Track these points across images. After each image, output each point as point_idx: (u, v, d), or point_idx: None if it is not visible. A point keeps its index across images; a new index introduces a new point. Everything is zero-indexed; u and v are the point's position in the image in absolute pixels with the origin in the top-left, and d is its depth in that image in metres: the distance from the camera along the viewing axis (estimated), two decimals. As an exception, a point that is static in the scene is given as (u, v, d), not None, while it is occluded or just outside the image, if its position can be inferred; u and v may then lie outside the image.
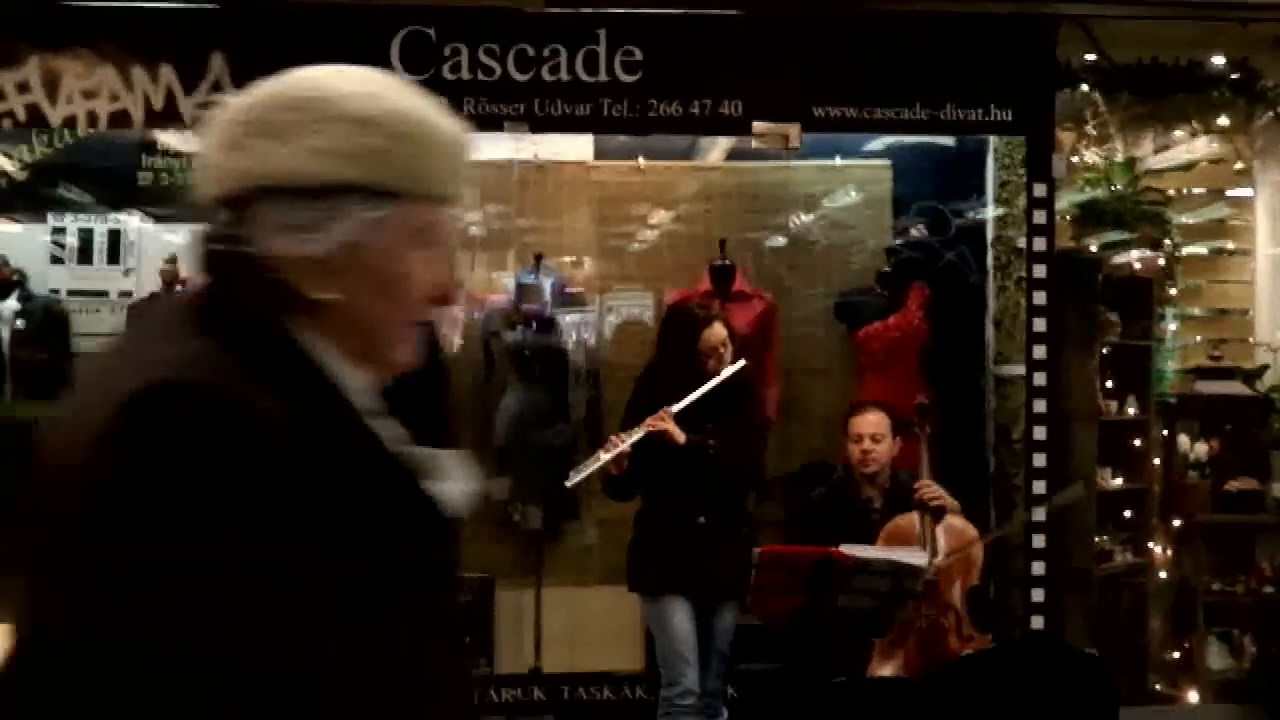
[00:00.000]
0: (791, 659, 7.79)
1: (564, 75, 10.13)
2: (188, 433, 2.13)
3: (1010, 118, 10.34)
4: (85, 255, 11.19)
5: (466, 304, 10.79)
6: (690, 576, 8.13)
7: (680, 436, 7.87)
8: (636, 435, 7.91)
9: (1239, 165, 11.52)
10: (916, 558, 7.47)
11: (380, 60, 9.95)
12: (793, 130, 10.23)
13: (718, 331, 8.04)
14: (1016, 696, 7.18)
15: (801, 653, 7.66)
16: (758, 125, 10.19)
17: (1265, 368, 11.23)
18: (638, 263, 11.08)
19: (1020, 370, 10.47)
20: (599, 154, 11.11)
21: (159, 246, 10.95)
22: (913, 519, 8.00)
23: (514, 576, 10.61)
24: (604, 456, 7.99)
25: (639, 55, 10.11)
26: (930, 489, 7.98)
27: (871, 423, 8.28)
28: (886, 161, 11.25)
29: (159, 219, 11.14)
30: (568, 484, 8.39)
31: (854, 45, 10.24)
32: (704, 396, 8.06)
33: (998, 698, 7.18)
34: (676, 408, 7.90)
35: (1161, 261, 11.08)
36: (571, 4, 10.15)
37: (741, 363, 8.10)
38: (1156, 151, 11.20)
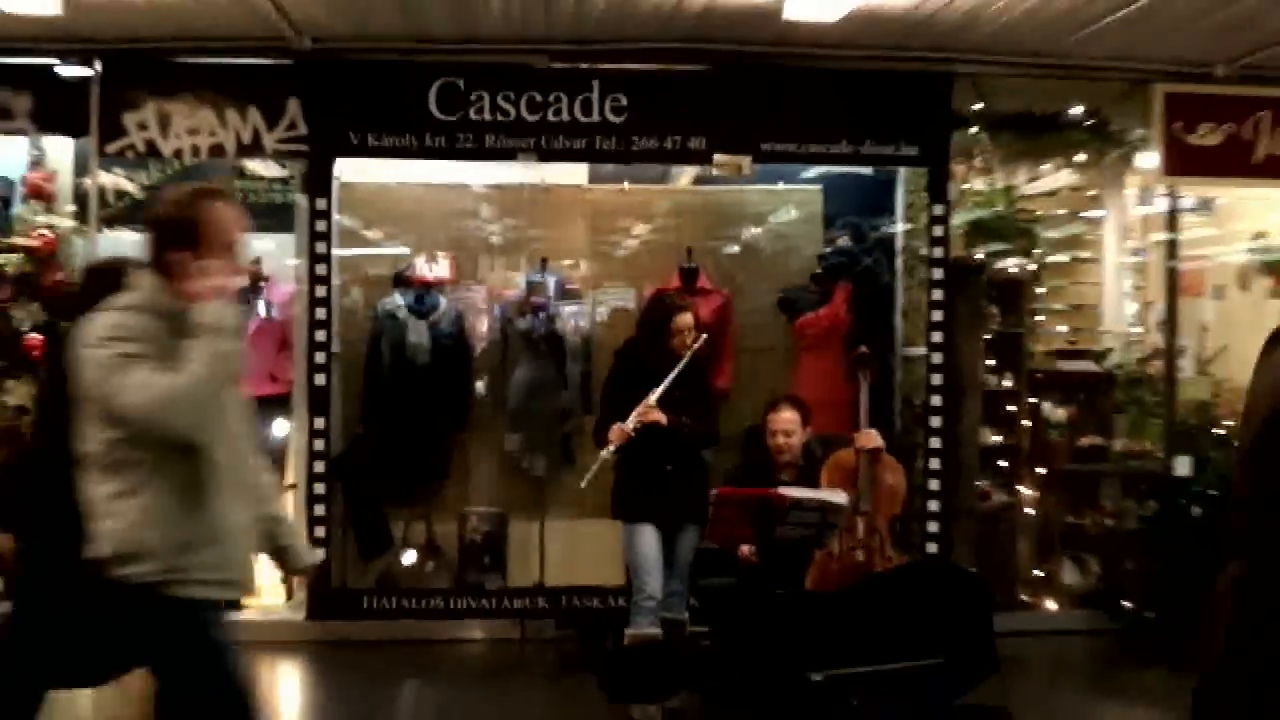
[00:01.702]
0: (743, 576, 7.74)
1: (565, 116, 10.17)
2: None
3: (916, 153, 10.45)
4: (190, 257, 11.10)
5: (487, 297, 10.74)
6: (658, 509, 8.17)
7: (664, 420, 7.85)
8: (631, 424, 7.89)
9: (1092, 192, 11.58)
10: (838, 497, 7.49)
11: (421, 104, 10.04)
12: (745, 161, 10.31)
13: (686, 318, 8.06)
14: (917, 604, 7.18)
15: (751, 571, 7.62)
16: (718, 157, 10.26)
17: (1110, 350, 11.27)
18: (622, 265, 11.05)
19: (922, 351, 10.54)
20: (592, 179, 11.09)
21: (247, 250, 10.84)
22: (851, 454, 7.97)
23: (523, 511, 10.61)
24: (605, 454, 8.01)
25: (624, 101, 10.17)
26: (869, 437, 7.97)
27: (785, 420, 8.29)
28: (818, 186, 11.23)
29: (247, 229, 11.02)
30: (581, 485, 8.41)
31: (794, 95, 10.31)
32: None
33: (903, 605, 7.16)
34: (654, 397, 7.87)
35: (1032, 267, 11.12)
36: (570, 60, 10.16)
37: (704, 337, 8.08)
38: (1029, 181, 11.19)
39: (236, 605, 4.31)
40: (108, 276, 5.33)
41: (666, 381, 7.93)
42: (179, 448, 4.34)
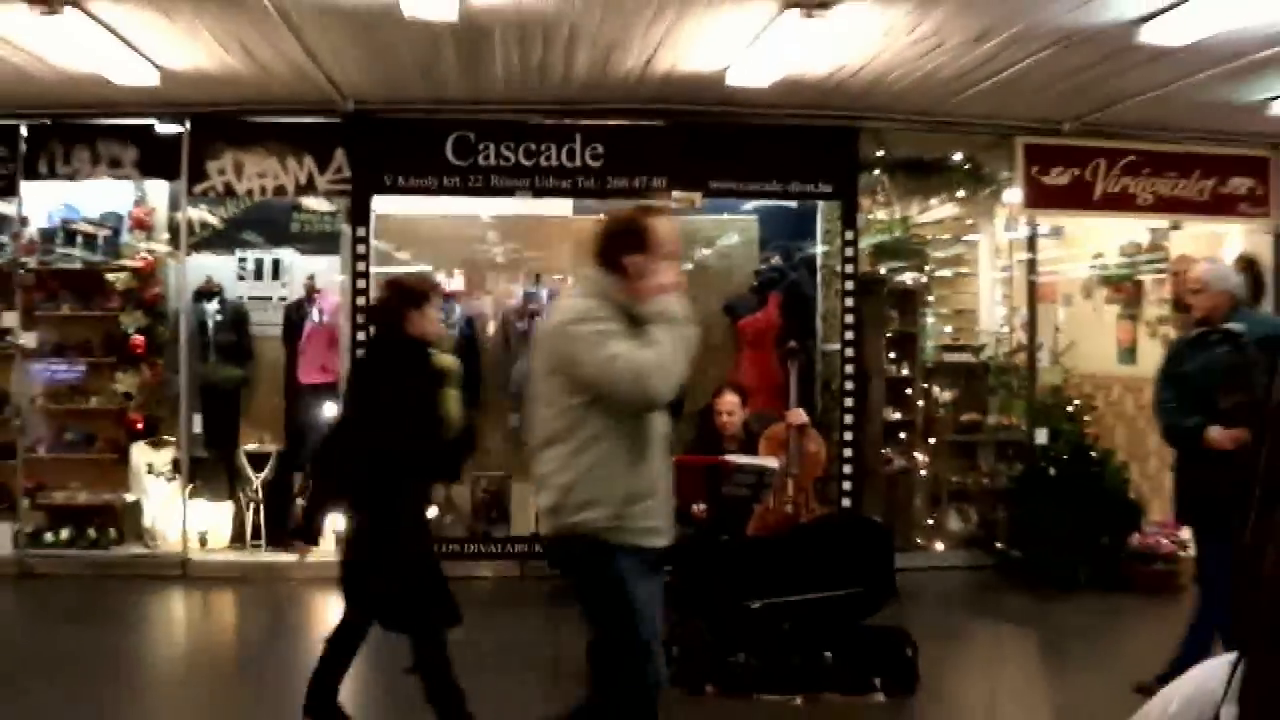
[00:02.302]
0: (696, 527, 7.75)
1: (554, 162, 10.20)
2: None
3: (831, 190, 10.51)
4: (258, 275, 11.12)
5: (493, 305, 10.73)
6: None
7: None
8: None
9: (970, 221, 11.62)
10: (772, 462, 7.48)
11: (439, 153, 10.05)
12: (697, 197, 10.36)
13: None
14: (835, 547, 7.23)
15: (703, 523, 7.63)
16: (675, 193, 10.26)
17: (985, 345, 11.35)
18: (600, 279, 10.99)
19: (837, 347, 10.55)
20: (576, 211, 11.03)
21: (303, 269, 10.89)
22: (782, 428, 7.99)
23: (523, 475, 10.51)
24: None
25: (601, 150, 10.21)
26: (797, 415, 7.99)
27: (728, 402, 8.25)
28: (755, 216, 11.22)
29: (303, 252, 11.08)
30: None
31: (735, 145, 10.34)
32: None
33: (823, 548, 7.21)
34: None
35: (923, 280, 11.15)
36: (558, 118, 10.19)
37: None
38: (920, 212, 11.23)
39: (656, 553, 4.25)
40: (402, 289, 5.75)
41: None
42: (631, 413, 4.33)
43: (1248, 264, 11.24)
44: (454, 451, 6.05)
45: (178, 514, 10.21)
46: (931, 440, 11.03)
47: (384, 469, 5.47)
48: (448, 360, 5.88)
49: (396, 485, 5.54)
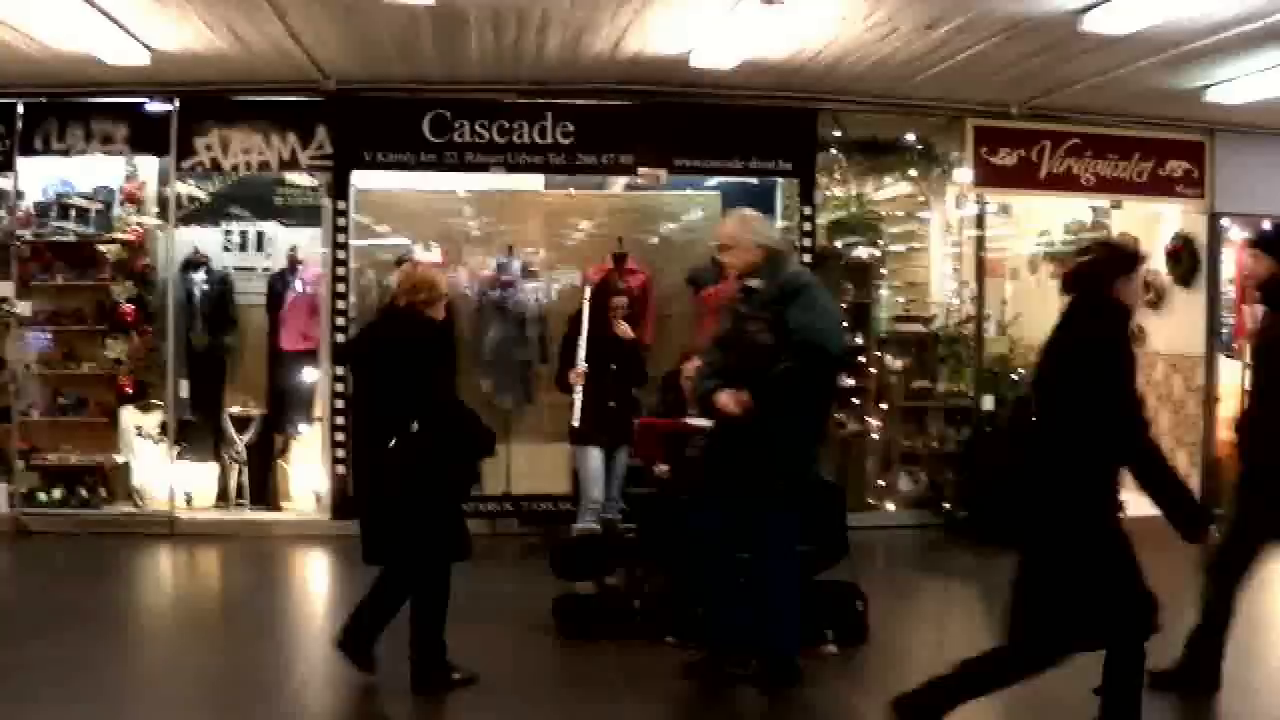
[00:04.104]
0: (660, 487, 7.82)
1: (526, 139, 10.24)
2: None
3: (790, 168, 10.58)
4: (243, 246, 11.09)
5: (469, 277, 10.71)
6: (601, 434, 8.27)
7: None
8: (581, 366, 8.21)
9: (922, 198, 11.66)
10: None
11: (417, 130, 10.06)
12: (662, 173, 10.43)
13: (620, 300, 8.20)
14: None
15: (666, 483, 7.70)
16: (642, 170, 10.35)
17: (935, 316, 11.39)
18: (569, 251, 11.03)
19: (794, 317, 10.51)
20: (547, 186, 11.05)
21: (286, 241, 10.88)
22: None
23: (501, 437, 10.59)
24: (577, 394, 8.21)
25: (572, 128, 10.26)
26: None
27: (692, 367, 8.17)
28: (717, 192, 11.20)
29: (286, 225, 11.05)
30: (574, 423, 8.57)
31: (699, 124, 10.40)
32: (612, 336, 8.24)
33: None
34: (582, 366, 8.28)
35: (877, 254, 11.17)
36: (531, 97, 10.21)
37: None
38: (875, 189, 11.26)
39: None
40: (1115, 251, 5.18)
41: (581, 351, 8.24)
42: None
43: (1184, 242, 11.39)
44: None
45: (165, 474, 10.26)
46: (884, 406, 11.07)
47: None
48: None
49: None
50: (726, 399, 5.89)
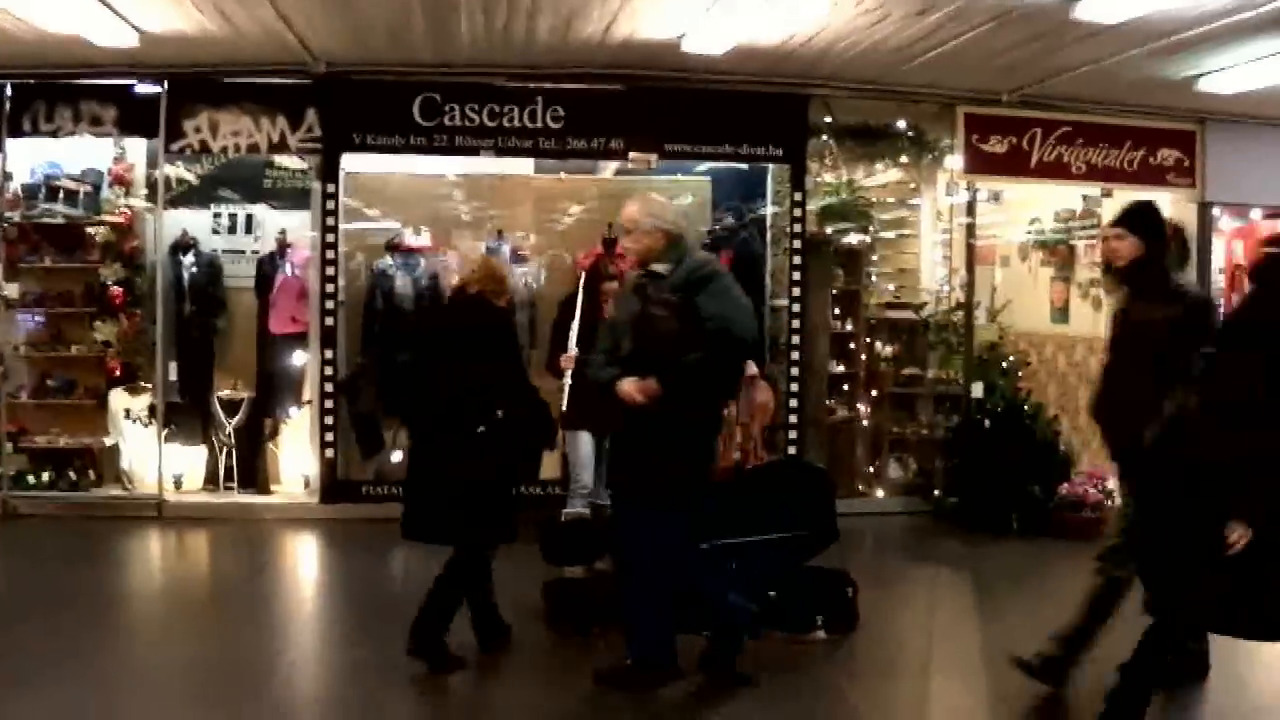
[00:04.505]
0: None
1: (517, 123, 10.18)
2: None
3: (781, 154, 10.52)
4: (232, 229, 11.03)
5: (458, 260, 10.67)
6: (593, 420, 8.22)
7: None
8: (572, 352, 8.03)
9: (913, 185, 11.63)
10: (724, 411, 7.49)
11: (407, 113, 10.00)
12: (653, 158, 10.37)
13: (611, 285, 8.12)
14: (781, 491, 7.29)
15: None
16: (632, 154, 10.30)
17: (925, 303, 11.39)
18: (559, 236, 11.03)
19: (785, 303, 10.62)
20: (537, 171, 11.03)
21: (275, 224, 10.82)
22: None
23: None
24: (566, 380, 8.05)
25: (562, 112, 10.19)
26: (747, 366, 8.04)
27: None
28: (708, 178, 11.21)
29: (275, 208, 10.97)
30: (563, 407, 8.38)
31: (690, 109, 10.33)
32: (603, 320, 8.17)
33: (770, 492, 7.28)
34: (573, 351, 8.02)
35: (867, 241, 11.17)
36: (521, 81, 10.14)
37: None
38: (866, 176, 11.24)
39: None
40: None
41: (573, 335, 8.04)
42: None
43: (1175, 230, 11.34)
44: None
45: (154, 457, 10.21)
46: (873, 392, 11.10)
47: None
48: None
49: None
50: (631, 387, 5.70)
